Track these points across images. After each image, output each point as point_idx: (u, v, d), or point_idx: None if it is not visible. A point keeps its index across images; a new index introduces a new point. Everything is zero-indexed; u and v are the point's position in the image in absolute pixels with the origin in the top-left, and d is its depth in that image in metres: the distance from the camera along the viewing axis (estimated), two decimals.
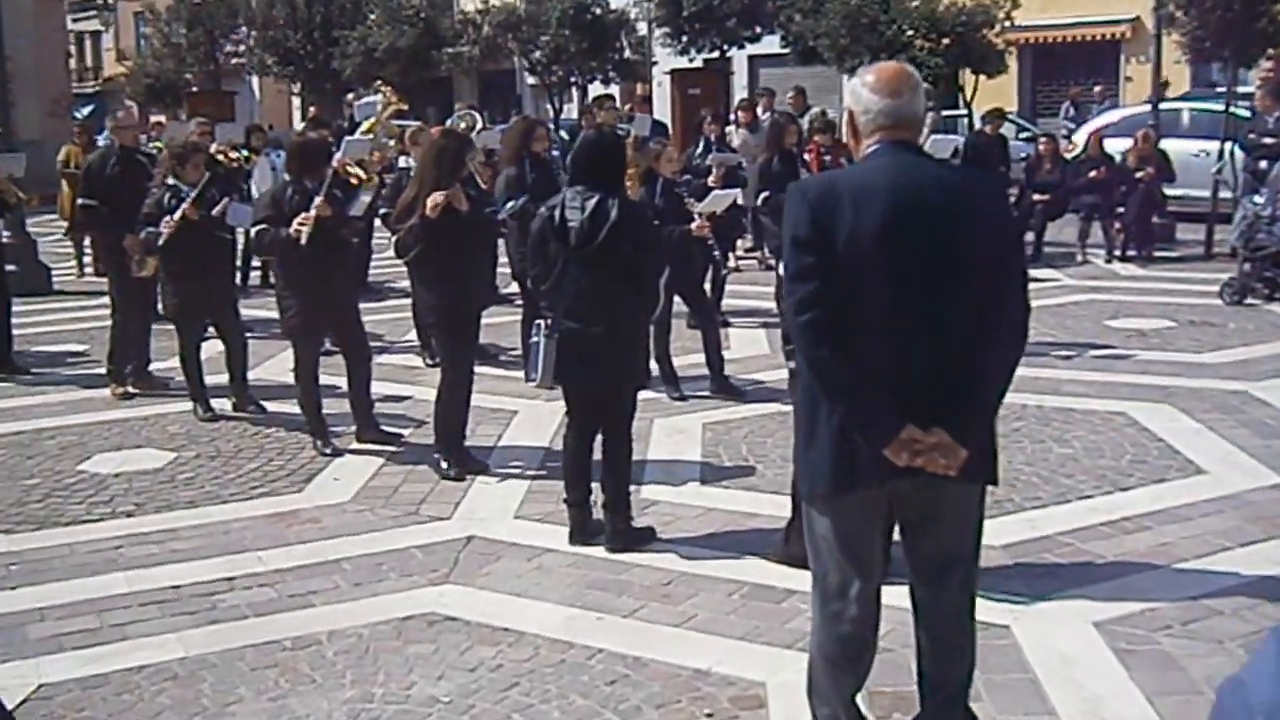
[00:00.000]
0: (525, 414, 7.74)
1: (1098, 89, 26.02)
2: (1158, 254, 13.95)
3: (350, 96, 20.32)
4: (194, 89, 33.09)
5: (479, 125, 11.81)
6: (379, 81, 14.16)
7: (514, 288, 10.07)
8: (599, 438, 5.54)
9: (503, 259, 9.59)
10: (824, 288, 3.15)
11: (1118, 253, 13.99)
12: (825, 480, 3.30)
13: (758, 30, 21.44)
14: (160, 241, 7.66)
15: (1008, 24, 20.41)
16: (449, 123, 10.85)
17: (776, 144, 10.10)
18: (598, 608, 4.89)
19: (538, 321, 5.54)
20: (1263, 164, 11.01)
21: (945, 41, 19.44)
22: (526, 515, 5.97)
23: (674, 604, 4.89)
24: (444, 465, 6.58)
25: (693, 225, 7.89)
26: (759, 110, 14.86)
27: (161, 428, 7.79)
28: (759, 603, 4.87)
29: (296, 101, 36.40)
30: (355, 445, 7.13)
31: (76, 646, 4.64)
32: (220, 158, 10.49)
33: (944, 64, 19.24)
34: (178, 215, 7.61)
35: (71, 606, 5.02)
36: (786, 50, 22.91)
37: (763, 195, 9.59)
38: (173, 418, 7.97)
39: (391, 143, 11.01)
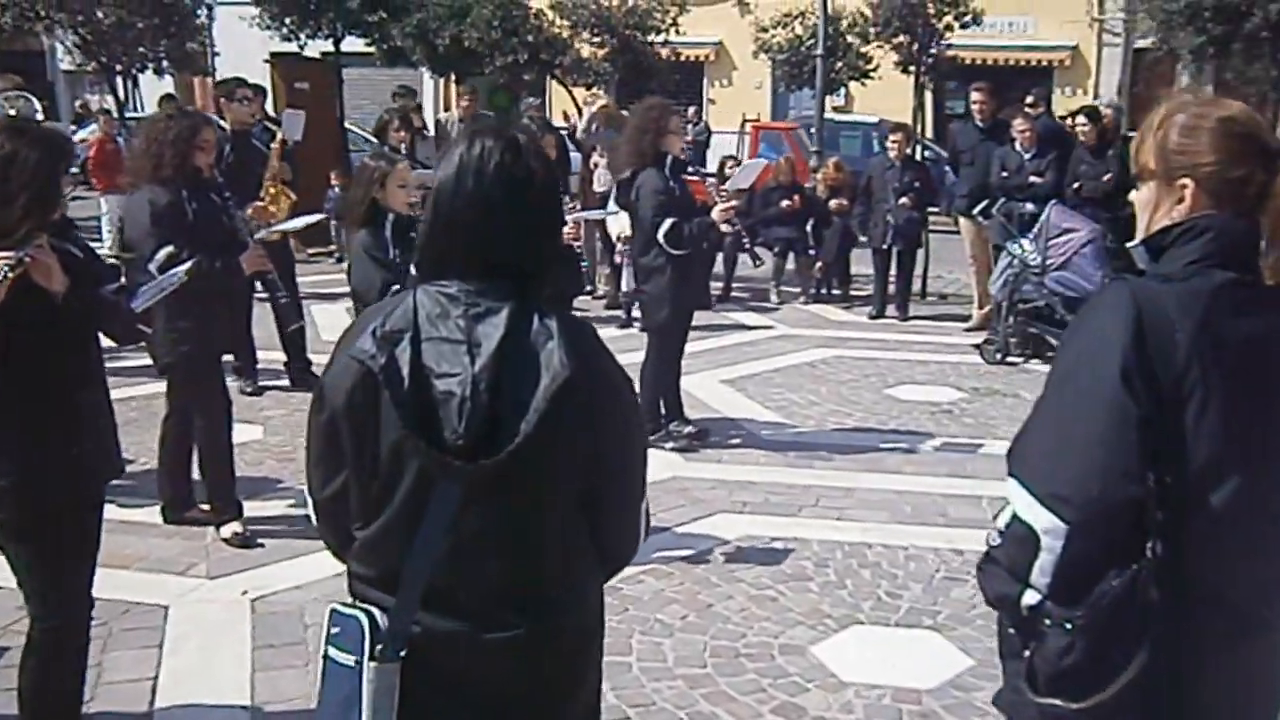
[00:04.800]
0: None
1: (691, 110, 25.84)
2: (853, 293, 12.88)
3: None
4: None
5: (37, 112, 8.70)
6: None
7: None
8: None
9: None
10: None
11: (812, 291, 12.75)
12: None
13: (383, 16, 18.47)
14: None
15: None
16: None
17: None
18: None
19: (338, 610, 2.22)
20: (1028, 206, 9.87)
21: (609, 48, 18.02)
22: None
23: None
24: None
25: (716, 211, 6.63)
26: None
27: None
28: None
29: None
30: None
31: None
32: None
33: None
34: None
35: None
36: (371, 50, 20.42)
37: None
38: None
39: None
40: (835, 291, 12.95)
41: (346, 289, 5.49)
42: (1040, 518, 2.04)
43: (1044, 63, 25.74)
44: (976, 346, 10.08)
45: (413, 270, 2.67)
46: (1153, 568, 2.01)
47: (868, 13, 22.04)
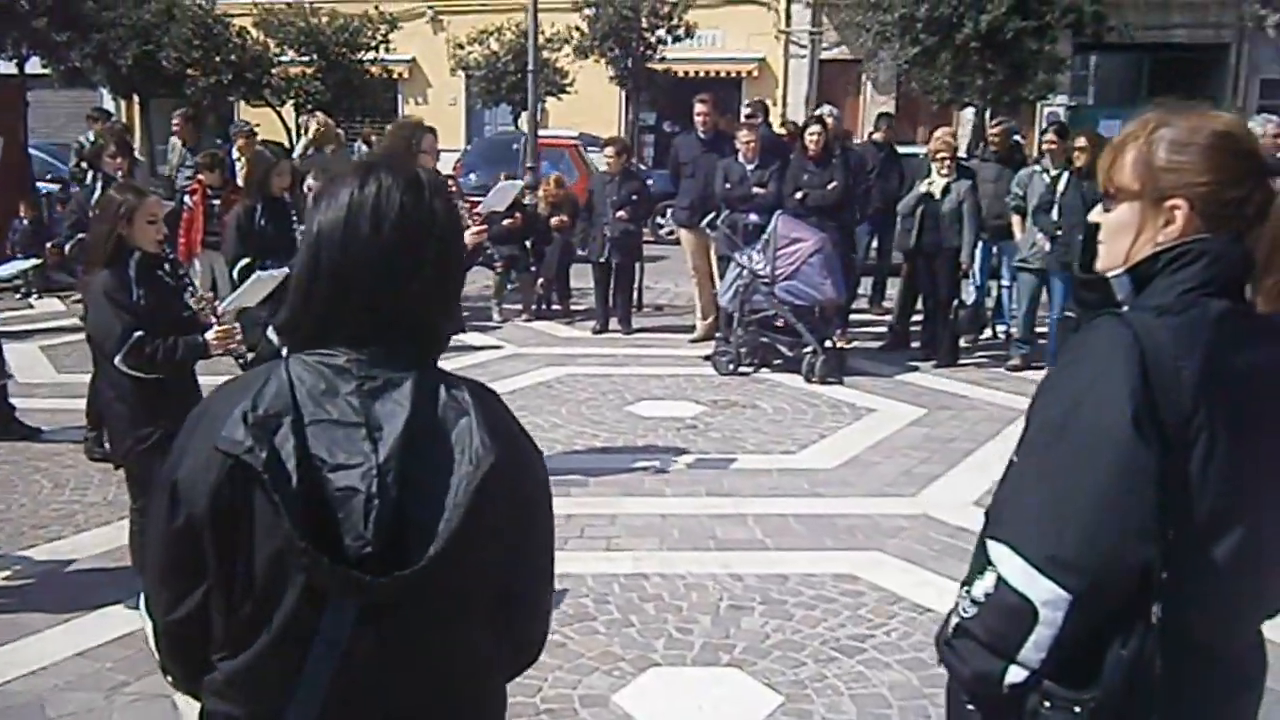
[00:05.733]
0: None
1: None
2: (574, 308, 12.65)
3: None
4: None
5: None
6: None
7: None
8: None
9: None
10: None
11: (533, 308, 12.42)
12: None
13: (70, 35, 16.86)
14: None
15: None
16: None
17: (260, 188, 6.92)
18: None
19: None
20: (752, 216, 9.83)
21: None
22: None
23: None
24: None
25: (469, 235, 5.62)
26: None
27: None
28: None
29: None
30: None
31: None
32: None
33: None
34: None
35: None
36: (48, 71, 18.74)
37: (241, 261, 6.40)
38: None
39: None
40: (556, 307, 12.69)
41: (36, 326, 4.72)
42: (1039, 587, 1.75)
43: (733, 74, 26.37)
44: (707, 358, 9.97)
45: (270, 335, 2.06)
46: (1157, 633, 1.77)
47: (584, 27, 22.05)
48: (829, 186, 9.86)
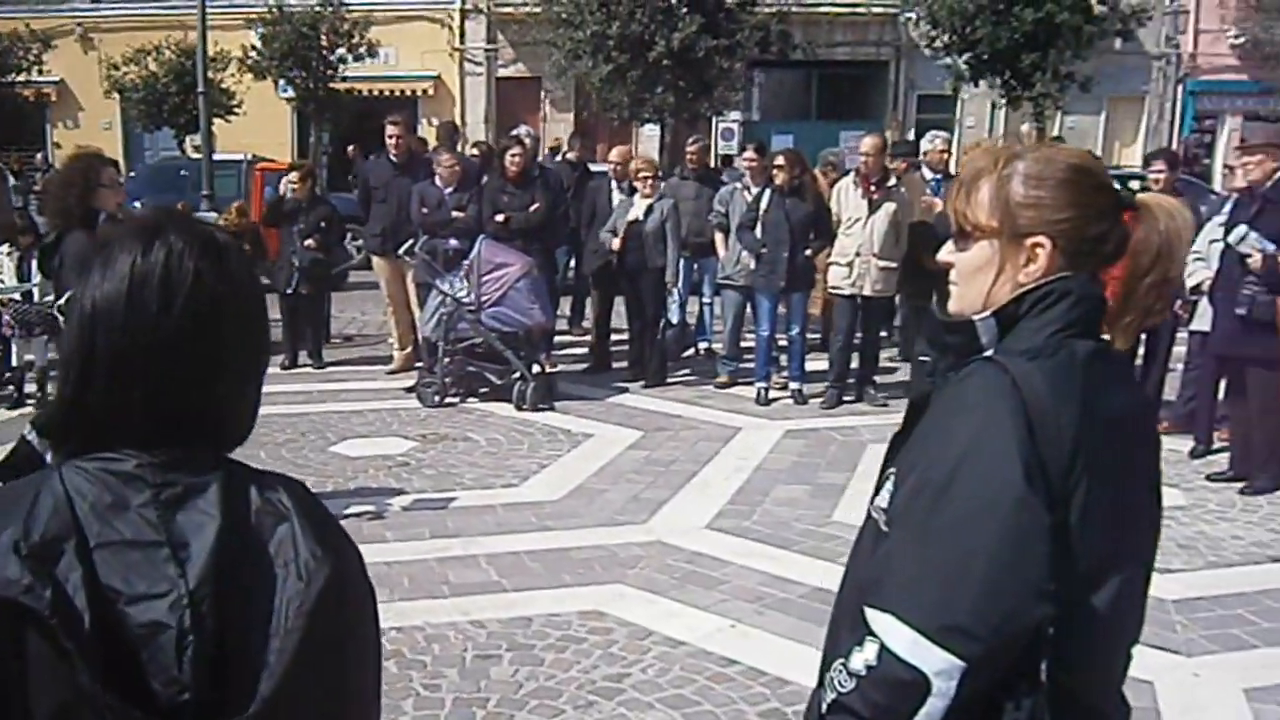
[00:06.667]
0: None
1: (39, 156, 23.63)
2: None
3: None
4: None
5: None
6: None
7: None
8: None
9: None
10: None
11: None
12: None
13: None
14: None
15: None
16: None
17: None
18: None
19: None
20: (452, 241, 9.49)
21: None
22: None
23: None
24: None
25: None
26: None
27: None
28: None
29: None
30: None
31: None
32: None
33: None
34: None
35: None
36: None
37: None
38: None
39: None
40: None
41: None
42: (931, 658, 1.58)
43: (408, 93, 25.82)
44: (410, 389, 9.54)
45: (30, 435, 1.59)
46: (1047, 692, 1.65)
47: (258, 45, 21.02)
48: (531, 208, 9.65)
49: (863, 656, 1.64)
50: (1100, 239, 1.78)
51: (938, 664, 1.58)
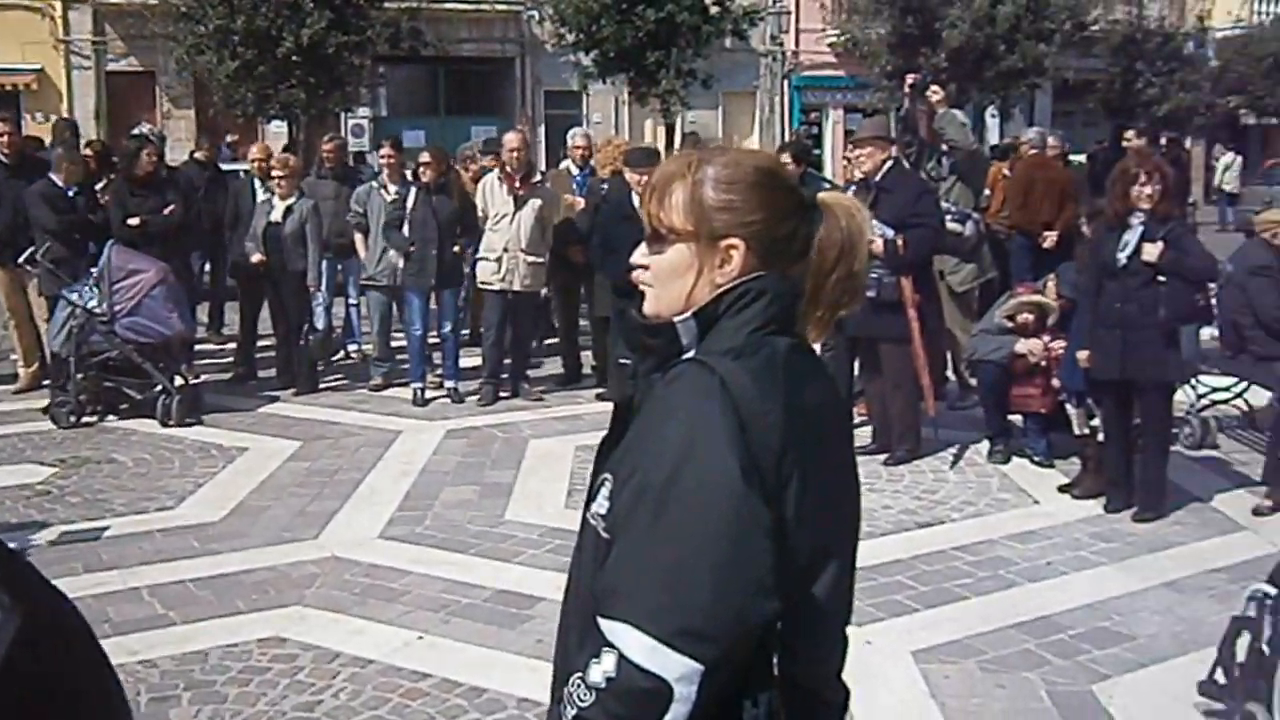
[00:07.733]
0: None
1: None
2: None
3: None
4: None
5: None
6: None
7: None
8: None
9: None
10: None
11: None
12: None
13: None
14: None
15: None
16: None
17: None
18: None
19: None
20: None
21: None
22: None
23: None
24: None
25: None
26: None
27: None
28: None
29: None
30: None
31: None
32: None
33: None
34: None
35: None
36: None
37: None
38: None
39: None
40: None
41: None
42: (670, 664, 1.62)
43: (9, 87, 23.65)
44: (44, 410, 8.83)
45: None
46: (780, 685, 1.74)
47: None
48: (166, 210, 9.14)
49: (601, 669, 1.64)
50: (789, 238, 1.86)
51: (678, 669, 1.61)
